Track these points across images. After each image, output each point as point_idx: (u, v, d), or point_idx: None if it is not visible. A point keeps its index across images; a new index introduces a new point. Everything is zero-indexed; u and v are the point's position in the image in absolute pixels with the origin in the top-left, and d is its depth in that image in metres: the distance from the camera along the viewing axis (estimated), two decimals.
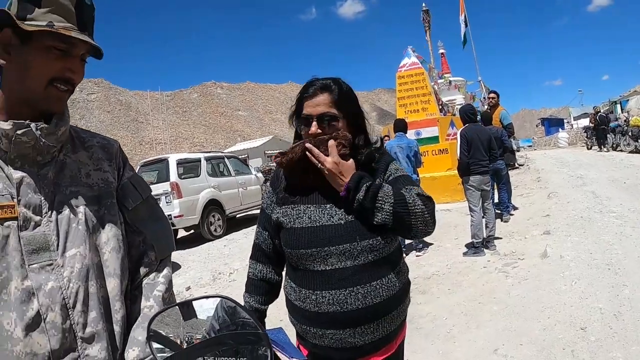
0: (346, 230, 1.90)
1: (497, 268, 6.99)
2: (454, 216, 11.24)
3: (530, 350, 4.36)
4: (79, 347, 1.40)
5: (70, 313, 1.39)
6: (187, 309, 1.25)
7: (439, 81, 22.86)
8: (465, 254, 7.91)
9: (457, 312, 5.58)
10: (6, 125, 1.38)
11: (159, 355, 1.24)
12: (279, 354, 1.24)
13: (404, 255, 8.15)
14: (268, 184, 2.36)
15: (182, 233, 14.16)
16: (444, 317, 5.47)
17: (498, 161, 9.84)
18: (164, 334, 1.26)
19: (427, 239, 9.04)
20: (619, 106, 37.65)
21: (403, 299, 2.02)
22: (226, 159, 15.72)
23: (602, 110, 30.88)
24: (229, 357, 1.21)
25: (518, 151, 30.96)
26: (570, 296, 5.45)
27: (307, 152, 1.93)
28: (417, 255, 8.26)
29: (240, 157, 20.45)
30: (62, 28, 1.37)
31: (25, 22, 1.34)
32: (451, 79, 24.09)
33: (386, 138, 17.35)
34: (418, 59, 16.82)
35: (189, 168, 13.77)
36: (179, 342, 1.25)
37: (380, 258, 1.92)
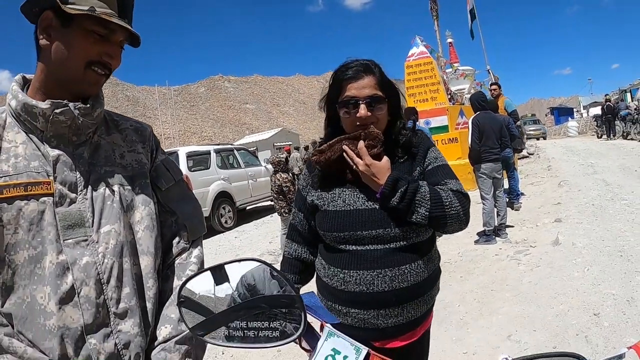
0: (381, 215, 1.90)
1: (509, 255, 6.99)
2: None
3: (543, 336, 4.37)
4: (112, 322, 1.43)
5: (104, 288, 1.42)
6: (219, 273, 1.24)
7: (448, 70, 22.71)
8: (476, 241, 7.91)
9: (469, 299, 5.58)
10: (44, 105, 1.42)
11: (190, 320, 1.24)
12: (311, 317, 1.25)
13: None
14: (302, 171, 2.36)
15: None
16: (456, 304, 5.47)
17: (506, 150, 9.85)
18: (195, 299, 1.26)
19: None
20: (629, 94, 37.43)
21: (431, 286, 2.00)
22: (235, 151, 15.77)
23: (612, 99, 30.65)
24: (262, 320, 1.22)
25: (527, 137, 30.96)
26: (582, 282, 5.44)
27: (344, 154, 1.92)
28: None
29: (249, 149, 20.50)
30: (103, 13, 1.39)
31: (68, 5, 1.36)
32: (460, 68, 23.96)
33: None
34: (426, 48, 16.72)
35: (199, 161, 13.84)
36: (211, 307, 1.25)
37: (412, 244, 1.91)
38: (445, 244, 8.18)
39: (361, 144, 1.89)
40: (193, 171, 13.08)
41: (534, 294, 5.38)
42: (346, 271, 1.93)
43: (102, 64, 1.45)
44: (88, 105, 1.49)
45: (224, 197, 13.76)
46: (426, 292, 1.98)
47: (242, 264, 1.25)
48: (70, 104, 1.44)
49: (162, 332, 1.51)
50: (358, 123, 1.93)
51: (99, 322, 1.40)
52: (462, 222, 1.93)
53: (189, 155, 13.44)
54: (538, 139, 39.72)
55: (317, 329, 1.28)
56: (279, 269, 2.18)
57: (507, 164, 9.92)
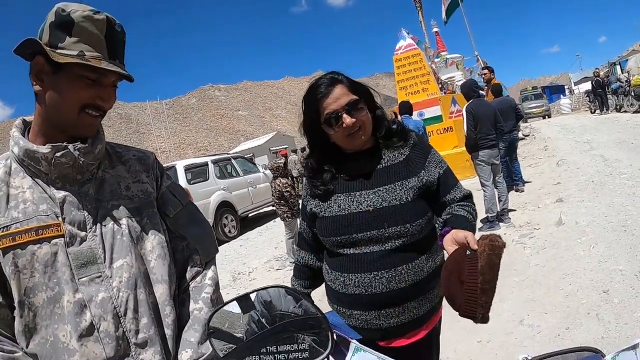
0: (374, 217, 1.94)
1: (514, 240, 7.01)
2: None
3: (555, 318, 4.39)
4: (133, 353, 1.47)
5: (122, 321, 1.46)
6: (245, 303, 1.29)
7: (436, 60, 22.76)
8: (480, 228, 7.91)
9: None
10: (45, 149, 1.45)
11: (221, 350, 1.28)
12: (337, 334, 1.28)
13: None
14: (303, 180, 2.40)
15: None
16: None
17: (513, 132, 10.00)
18: (224, 328, 1.30)
19: None
20: (618, 67, 37.30)
21: (433, 284, 2.01)
22: (233, 160, 15.78)
23: (601, 73, 30.65)
24: (291, 343, 1.26)
25: (526, 117, 31.04)
26: (589, 261, 5.47)
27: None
28: None
29: (246, 156, 20.51)
30: (92, 58, 1.41)
31: (57, 51, 1.39)
32: (448, 56, 23.99)
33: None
34: (413, 40, 16.75)
35: (197, 173, 13.86)
36: (240, 335, 1.29)
37: (409, 243, 1.94)
38: None
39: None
40: (192, 184, 13.08)
41: (542, 277, 5.42)
42: (346, 274, 1.99)
43: (95, 107, 1.48)
44: (87, 145, 1.52)
45: (225, 207, 13.76)
46: (428, 291, 2.00)
47: (268, 291, 1.31)
48: (70, 146, 1.47)
49: (183, 356, 1.54)
50: (347, 133, 1.97)
51: (121, 354, 1.44)
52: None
53: (187, 169, 13.46)
54: (544, 117, 37.27)
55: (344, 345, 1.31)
56: (287, 273, 2.23)
57: (513, 146, 10.06)
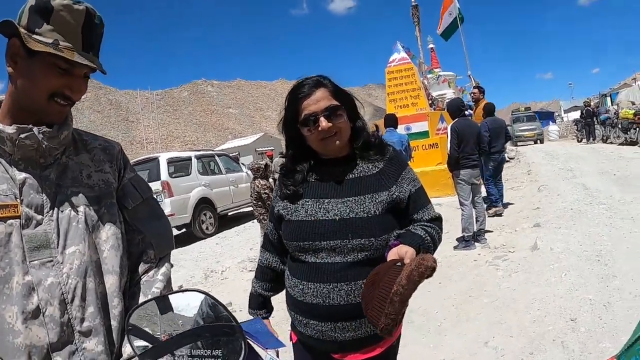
0: (339, 226, 1.92)
1: (487, 261, 7.03)
2: (444, 210, 11.24)
3: (520, 342, 4.39)
4: (77, 340, 1.47)
5: (68, 307, 1.46)
6: (163, 303, 1.30)
7: (429, 76, 22.89)
8: (455, 247, 7.95)
9: (447, 305, 5.60)
10: (10, 130, 1.46)
11: (138, 348, 1.29)
12: (253, 345, 1.28)
13: None
14: (273, 181, 2.39)
15: (173, 232, 14.11)
16: (435, 310, 5.49)
17: (502, 152, 10.16)
18: (142, 327, 1.31)
19: None
20: (609, 99, 37.79)
21: None
22: (217, 157, 15.71)
23: (592, 104, 31.06)
24: (205, 348, 1.27)
25: (516, 140, 31.35)
26: (560, 288, 5.49)
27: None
28: None
29: (231, 154, 20.45)
30: (65, 48, 1.42)
31: (33, 36, 1.40)
32: (441, 73, 24.13)
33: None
34: (407, 54, 16.84)
35: (180, 167, 13.78)
36: (157, 335, 1.30)
37: (372, 258, 1.91)
38: None
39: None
40: (174, 177, 13.01)
41: (511, 300, 5.42)
42: (305, 282, 1.97)
43: (64, 96, 1.49)
44: (53, 129, 1.51)
45: (205, 204, 13.69)
46: None
47: (186, 294, 1.32)
48: (35, 129, 1.48)
49: (127, 349, 1.53)
50: (321, 137, 1.96)
51: (64, 340, 1.45)
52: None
53: (170, 162, 13.37)
54: (536, 141, 34.25)
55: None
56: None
57: (500, 167, 10.18)
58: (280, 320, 3.36)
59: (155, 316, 1.30)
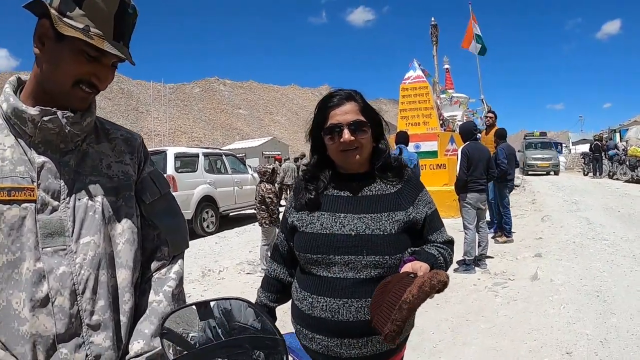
0: (355, 242, 1.92)
1: (487, 287, 7.02)
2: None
3: None
4: (84, 334, 1.42)
5: (78, 299, 1.42)
6: (204, 310, 1.26)
7: (442, 96, 22.91)
8: (456, 270, 7.92)
9: (444, 327, 5.58)
10: (33, 111, 1.42)
11: (170, 353, 1.24)
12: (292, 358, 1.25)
13: None
14: (290, 191, 2.37)
15: None
16: (431, 331, 5.47)
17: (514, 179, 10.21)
18: (178, 332, 1.26)
19: None
20: (618, 135, 37.68)
21: None
22: (224, 157, 15.72)
23: (603, 138, 31.07)
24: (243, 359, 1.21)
25: (526, 169, 31.07)
26: (558, 320, 5.47)
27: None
28: None
29: (238, 155, 20.45)
30: (96, 36, 1.38)
31: (64, 19, 1.36)
32: (454, 94, 24.16)
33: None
34: (423, 72, 16.87)
35: (187, 162, 13.77)
36: (193, 341, 1.25)
37: (384, 276, 1.89)
38: None
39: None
40: (180, 172, 13.00)
41: (508, 328, 5.40)
42: (315, 296, 1.96)
43: (90, 84, 1.45)
44: (77, 114, 1.48)
45: (208, 202, 13.69)
46: None
47: (228, 302, 1.28)
48: (59, 112, 1.44)
49: (134, 347, 1.49)
50: (342, 148, 1.98)
51: (71, 332, 1.40)
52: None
53: (177, 156, 13.37)
54: (548, 173, 30.92)
55: None
56: (257, 279, 2.18)
57: (508, 190, 10.25)
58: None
59: (194, 322, 1.26)
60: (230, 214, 15.53)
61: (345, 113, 1.98)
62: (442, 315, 5.96)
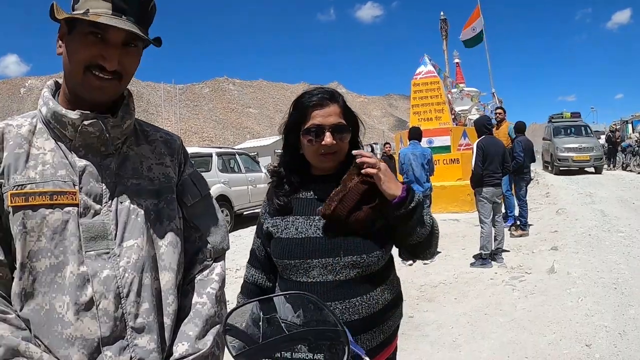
0: (331, 244, 1.88)
1: (504, 280, 7.04)
2: (462, 226, 11.27)
3: None
4: (129, 336, 1.42)
5: (123, 302, 1.42)
6: (267, 305, 1.27)
7: (453, 90, 22.82)
8: (472, 264, 7.95)
9: (463, 321, 5.61)
10: (73, 115, 1.42)
11: (235, 348, 1.26)
12: (353, 350, 1.27)
13: (410, 264, 8.20)
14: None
15: None
16: (450, 325, 5.50)
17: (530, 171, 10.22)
18: (241, 327, 1.28)
19: None
20: (630, 126, 37.23)
21: (388, 316, 1.97)
22: (237, 156, 15.76)
23: (618, 130, 30.69)
24: (307, 352, 1.24)
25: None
26: (576, 312, 5.49)
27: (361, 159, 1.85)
28: (424, 263, 8.29)
29: (250, 154, 20.49)
30: (93, 14, 1.35)
31: (74, 12, 1.38)
32: (465, 89, 24.06)
33: (387, 147, 17.27)
34: (434, 67, 16.84)
35: (200, 162, 13.80)
36: (256, 336, 1.26)
37: (363, 275, 1.89)
38: (442, 264, 8.23)
39: (366, 154, 1.88)
40: None
41: (527, 321, 5.42)
42: None
43: (99, 67, 1.41)
44: (117, 117, 1.49)
45: (222, 201, 13.68)
46: (382, 323, 1.95)
47: (291, 297, 1.31)
48: (99, 117, 1.44)
49: (179, 349, 1.50)
50: (322, 151, 1.92)
51: (116, 335, 1.41)
52: (437, 246, 2.01)
53: (191, 157, 13.32)
54: (585, 169, 22.92)
55: None
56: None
57: (525, 183, 10.27)
58: None
59: (257, 317, 1.27)
60: (245, 213, 15.53)
61: (328, 115, 1.92)
62: (460, 310, 6.00)
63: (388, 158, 15.50)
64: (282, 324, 1.27)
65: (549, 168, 25.03)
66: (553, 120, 27.11)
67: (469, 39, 25.29)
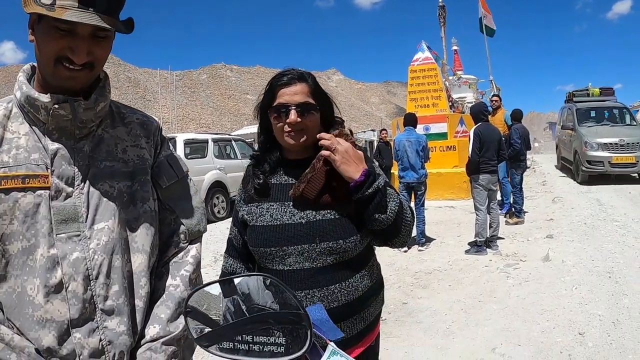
0: (306, 230, 1.86)
1: (498, 268, 7.04)
2: (457, 213, 11.29)
3: (527, 351, 4.39)
4: (98, 319, 1.42)
5: (92, 284, 1.42)
6: (228, 286, 1.25)
7: (450, 78, 22.78)
8: (467, 251, 7.96)
9: (457, 308, 5.61)
10: (45, 98, 1.41)
11: (196, 330, 1.25)
12: (316, 333, 1.25)
13: (407, 249, 8.20)
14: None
15: None
16: (443, 312, 5.50)
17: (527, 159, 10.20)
18: (202, 310, 1.26)
19: (429, 234, 9.08)
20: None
21: (368, 303, 1.96)
22: (233, 142, 15.74)
23: None
24: (268, 335, 1.23)
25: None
26: (570, 301, 5.49)
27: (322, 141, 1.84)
28: (419, 250, 8.31)
29: (247, 140, 20.45)
30: (59, 7, 1.32)
31: (40, 3, 1.34)
32: (463, 76, 24.01)
33: (384, 133, 17.22)
34: (432, 54, 16.78)
35: (196, 148, 13.83)
36: (217, 318, 1.25)
37: (341, 262, 1.87)
38: (436, 251, 8.25)
39: (341, 131, 1.88)
40: (190, 159, 13.00)
41: (521, 309, 5.42)
42: None
43: (69, 60, 1.39)
44: (90, 100, 1.47)
45: (218, 187, 13.75)
46: (362, 310, 1.93)
47: (251, 279, 1.27)
48: (71, 99, 1.43)
49: (150, 331, 1.50)
50: (288, 129, 1.89)
51: (85, 317, 1.41)
52: (409, 233, 1.94)
53: (187, 143, 13.42)
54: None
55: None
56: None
57: (521, 170, 10.29)
58: None
59: (218, 299, 1.25)
60: None
61: (295, 94, 1.89)
62: (454, 297, 5.99)
63: (384, 144, 15.47)
64: (244, 307, 1.25)
65: (573, 172, 16.09)
66: (575, 99, 18.47)
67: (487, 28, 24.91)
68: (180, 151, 12.74)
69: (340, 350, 1.26)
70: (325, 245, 1.83)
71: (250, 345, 1.23)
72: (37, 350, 1.36)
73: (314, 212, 1.87)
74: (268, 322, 1.23)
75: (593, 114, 17.15)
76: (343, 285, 1.86)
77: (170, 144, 1.80)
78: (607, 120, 16.63)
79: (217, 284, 1.28)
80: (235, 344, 1.24)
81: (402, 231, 1.89)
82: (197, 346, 1.41)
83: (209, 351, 1.25)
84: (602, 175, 14.72)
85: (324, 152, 1.80)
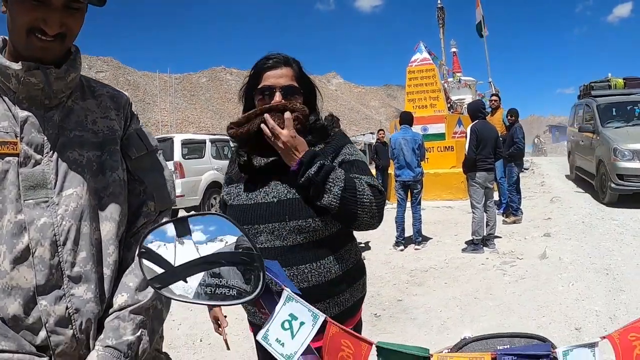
0: (277, 209, 1.89)
1: (495, 266, 7.01)
2: (455, 213, 11.27)
3: None
4: (65, 286, 1.41)
5: (59, 250, 1.40)
6: (181, 226, 1.23)
7: (449, 79, 22.79)
8: (464, 250, 7.93)
9: (452, 305, 5.58)
10: (16, 66, 1.40)
11: (149, 272, 1.23)
12: (272, 279, 1.22)
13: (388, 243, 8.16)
14: None
15: (182, 213, 14.18)
16: (439, 309, 5.47)
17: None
18: (156, 251, 1.24)
19: (426, 233, 9.07)
20: None
21: (342, 288, 1.96)
22: (231, 143, 15.62)
23: None
24: (220, 278, 1.20)
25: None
26: (566, 297, 5.46)
27: (262, 125, 1.87)
28: (415, 249, 8.29)
29: None
30: None
31: None
32: (462, 77, 24.03)
33: (381, 134, 17.20)
34: (430, 55, 16.79)
35: (193, 149, 13.84)
36: (171, 260, 1.23)
37: (311, 241, 1.89)
38: (433, 250, 8.23)
39: (288, 114, 1.86)
40: (187, 159, 13.05)
41: (517, 305, 5.39)
42: None
43: (42, 31, 1.39)
44: (61, 70, 1.47)
45: (216, 187, 13.74)
46: (337, 294, 1.93)
47: (205, 217, 1.25)
48: (42, 67, 1.42)
49: (118, 300, 1.49)
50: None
51: (52, 284, 1.38)
52: (373, 215, 1.89)
53: (184, 143, 13.43)
54: None
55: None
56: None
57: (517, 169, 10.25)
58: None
59: (171, 240, 1.23)
60: None
61: (280, 77, 1.96)
62: (450, 294, 5.97)
63: (382, 145, 15.45)
64: (196, 247, 1.22)
65: (595, 188, 11.96)
66: (593, 92, 14.38)
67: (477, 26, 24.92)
68: (177, 151, 12.76)
69: (296, 297, 1.23)
70: (295, 224, 1.86)
71: (202, 287, 1.21)
72: (2, 320, 1.34)
73: (285, 192, 1.91)
74: (220, 263, 1.20)
75: (621, 113, 12.86)
76: (314, 266, 1.88)
77: (140, 120, 1.80)
78: (638, 118, 12.44)
79: (172, 224, 1.24)
80: (187, 286, 1.22)
81: (359, 214, 1.86)
82: (166, 317, 1.42)
83: (160, 293, 1.23)
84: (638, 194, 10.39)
85: (267, 139, 1.86)
